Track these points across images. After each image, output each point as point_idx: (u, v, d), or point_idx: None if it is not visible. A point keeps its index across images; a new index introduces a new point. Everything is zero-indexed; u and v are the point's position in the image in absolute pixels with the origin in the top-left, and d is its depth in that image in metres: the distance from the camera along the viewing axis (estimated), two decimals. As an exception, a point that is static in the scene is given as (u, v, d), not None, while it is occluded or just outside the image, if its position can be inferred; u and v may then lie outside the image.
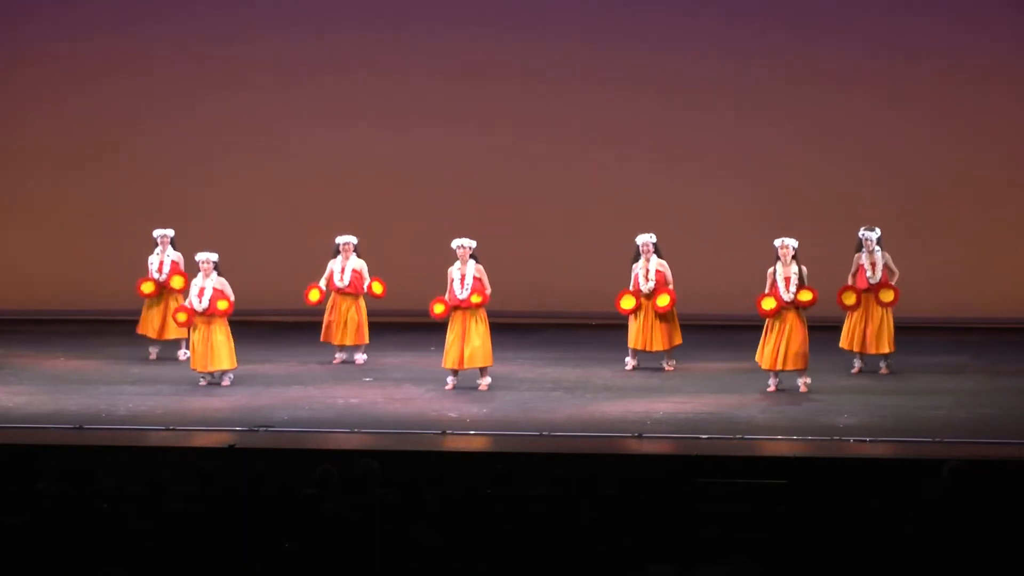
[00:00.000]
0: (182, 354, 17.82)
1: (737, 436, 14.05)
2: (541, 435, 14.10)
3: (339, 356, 17.84)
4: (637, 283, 17.11)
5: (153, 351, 18.10)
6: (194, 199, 20.92)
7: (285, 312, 20.06)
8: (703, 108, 20.62)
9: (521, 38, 20.84)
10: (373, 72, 21.00)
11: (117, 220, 20.82)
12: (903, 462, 12.98)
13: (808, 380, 16.04)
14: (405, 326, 19.68)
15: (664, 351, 17.24)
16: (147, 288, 17.88)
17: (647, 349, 17.19)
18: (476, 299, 16.18)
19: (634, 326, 17.20)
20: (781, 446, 13.81)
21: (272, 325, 20.37)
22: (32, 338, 19.75)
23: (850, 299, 16.79)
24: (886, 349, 16.83)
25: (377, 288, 17.55)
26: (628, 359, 17.31)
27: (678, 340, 17.26)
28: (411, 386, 16.43)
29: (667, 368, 17.24)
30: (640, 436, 14.07)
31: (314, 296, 17.69)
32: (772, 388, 16.01)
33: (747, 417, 14.91)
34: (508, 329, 19.62)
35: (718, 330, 19.50)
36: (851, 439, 13.87)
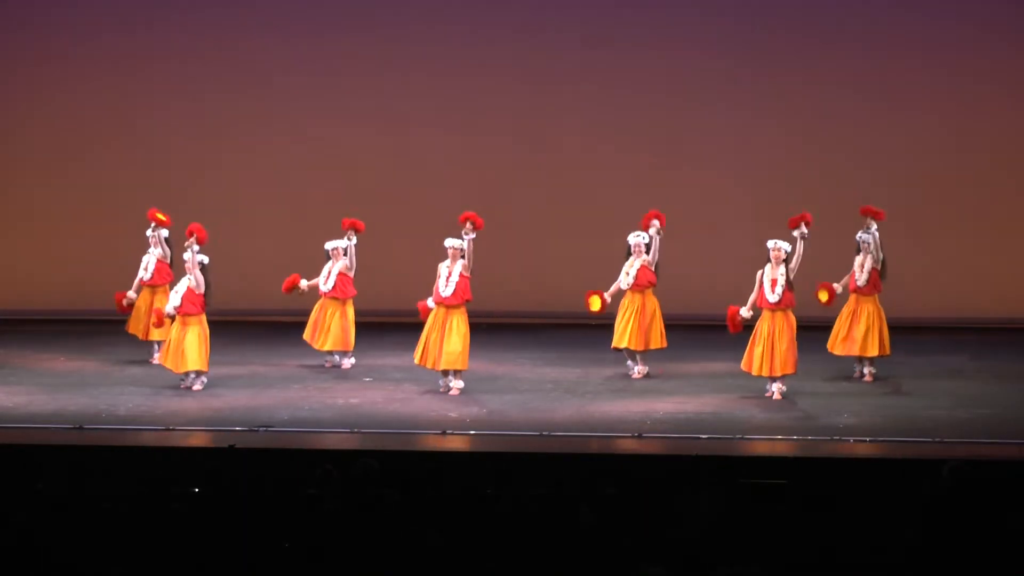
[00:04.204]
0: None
1: (737, 436, 14.05)
2: (541, 435, 14.11)
3: (329, 360, 17.74)
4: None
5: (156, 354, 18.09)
6: (192, 199, 20.86)
7: (284, 312, 20.04)
8: (704, 109, 20.65)
9: (521, 39, 20.86)
10: (372, 71, 21.02)
11: (117, 220, 20.80)
12: (903, 462, 12.99)
13: (783, 388, 15.73)
14: (404, 326, 19.66)
15: (638, 351, 16.78)
16: (126, 301, 17.89)
17: (626, 347, 16.83)
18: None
19: (619, 324, 16.83)
20: (781, 446, 13.82)
21: (271, 325, 20.37)
22: (32, 338, 19.75)
23: (823, 296, 16.39)
24: (873, 352, 16.38)
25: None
26: (629, 362, 17.00)
27: (657, 344, 16.81)
28: (411, 386, 16.43)
29: (636, 374, 16.84)
30: (640, 436, 14.07)
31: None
32: (770, 394, 15.77)
33: (747, 417, 14.91)
34: (508, 329, 19.65)
35: (718, 330, 19.46)
36: (851, 439, 13.88)
